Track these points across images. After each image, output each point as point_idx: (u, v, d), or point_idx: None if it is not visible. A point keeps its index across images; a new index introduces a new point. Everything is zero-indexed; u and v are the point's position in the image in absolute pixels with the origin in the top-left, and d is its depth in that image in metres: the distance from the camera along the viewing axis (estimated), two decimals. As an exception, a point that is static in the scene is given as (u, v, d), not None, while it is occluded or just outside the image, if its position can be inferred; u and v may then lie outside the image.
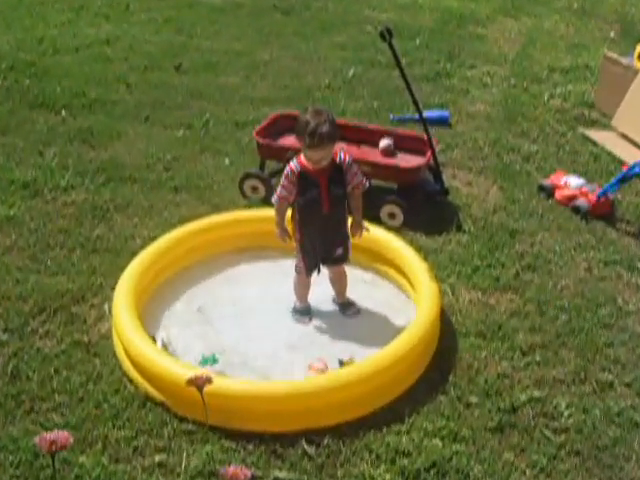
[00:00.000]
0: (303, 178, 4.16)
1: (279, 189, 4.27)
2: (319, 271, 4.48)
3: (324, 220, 4.28)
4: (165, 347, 4.14)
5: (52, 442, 2.90)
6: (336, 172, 4.19)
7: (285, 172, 4.21)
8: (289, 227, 4.38)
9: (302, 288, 4.57)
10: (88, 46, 9.10)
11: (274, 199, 4.31)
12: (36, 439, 2.94)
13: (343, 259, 4.46)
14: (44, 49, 8.89)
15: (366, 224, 4.41)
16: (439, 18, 10.67)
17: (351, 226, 4.39)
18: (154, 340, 4.13)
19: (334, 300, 4.67)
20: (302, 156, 4.19)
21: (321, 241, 4.35)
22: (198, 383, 3.40)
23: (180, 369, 3.72)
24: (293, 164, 4.19)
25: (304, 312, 4.57)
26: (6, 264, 4.88)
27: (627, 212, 5.79)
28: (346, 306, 4.63)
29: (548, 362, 4.19)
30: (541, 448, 3.64)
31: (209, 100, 7.67)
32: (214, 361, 4.09)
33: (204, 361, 4.10)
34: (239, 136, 6.84)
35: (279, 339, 4.35)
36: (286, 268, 4.64)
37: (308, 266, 4.43)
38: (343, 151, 4.27)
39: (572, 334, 4.41)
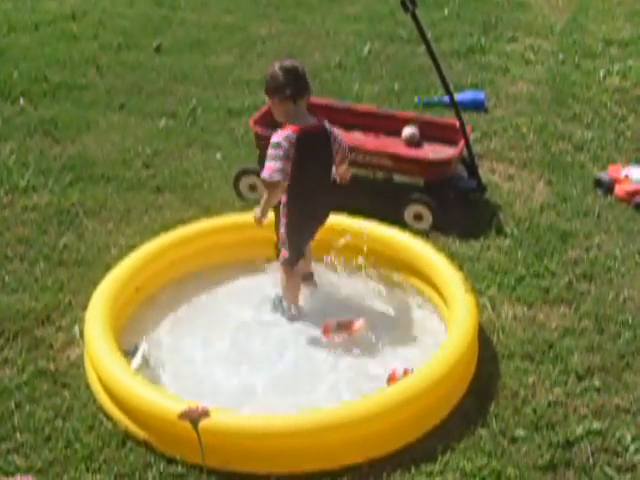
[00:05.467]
0: (302, 142, 4.33)
1: (274, 163, 4.30)
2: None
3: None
4: (146, 360, 4.21)
5: (14, 489, 2.94)
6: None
7: (276, 141, 4.33)
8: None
9: (295, 287, 4.71)
10: (50, 22, 9.23)
11: (271, 176, 4.31)
12: (-5, 485, 2.99)
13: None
14: (-3, 27, 9.02)
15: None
16: (471, -18, 10.76)
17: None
18: (128, 353, 4.21)
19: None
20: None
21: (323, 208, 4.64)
22: (192, 417, 3.40)
23: (169, 401, 3.75)
24: (286, 132, 4.34)
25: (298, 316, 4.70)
26: (-44, 280, 4.95)
27: (702, 210, 5.82)
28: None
29: (609, 388, 4.21)
30: (602, 490, 3.67)
31: (196, 84, 7.75)
32: None
33: None
34: (233, 126, 6.91)
35: (276, 364, 4.39)
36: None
37: (298, 250, 4.60)
38: None
39: (638, 354, 4.43)
